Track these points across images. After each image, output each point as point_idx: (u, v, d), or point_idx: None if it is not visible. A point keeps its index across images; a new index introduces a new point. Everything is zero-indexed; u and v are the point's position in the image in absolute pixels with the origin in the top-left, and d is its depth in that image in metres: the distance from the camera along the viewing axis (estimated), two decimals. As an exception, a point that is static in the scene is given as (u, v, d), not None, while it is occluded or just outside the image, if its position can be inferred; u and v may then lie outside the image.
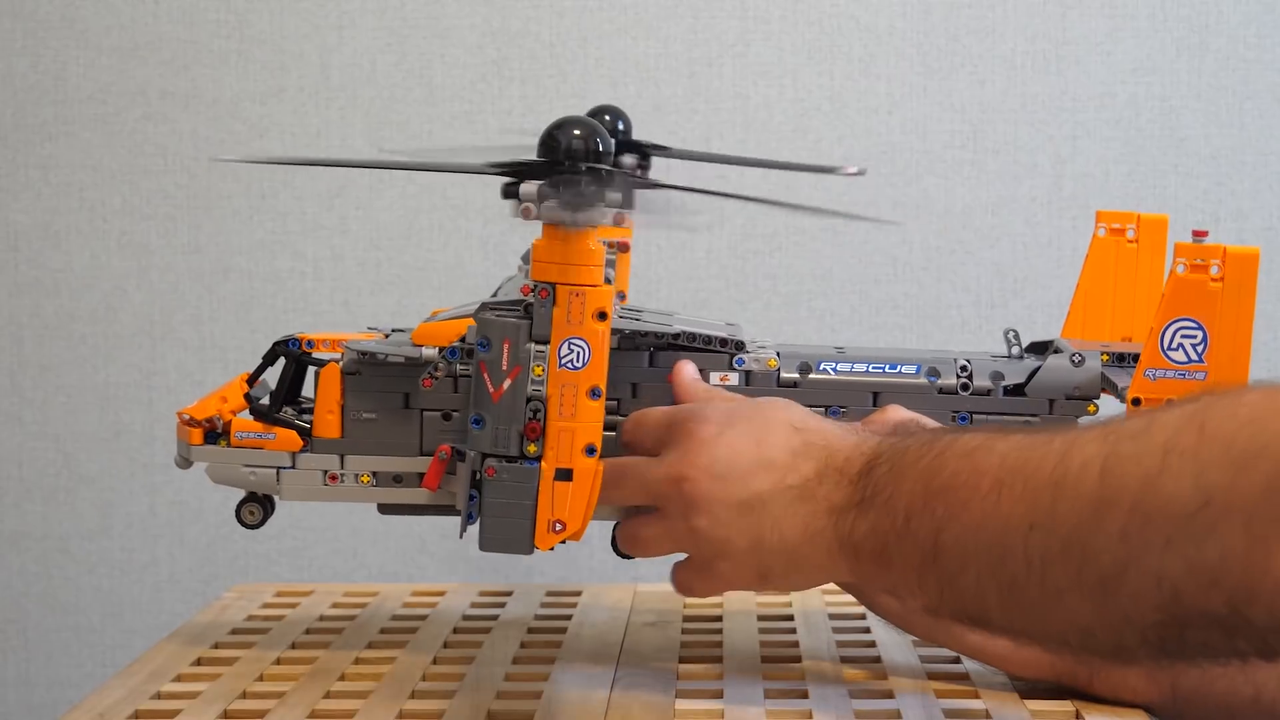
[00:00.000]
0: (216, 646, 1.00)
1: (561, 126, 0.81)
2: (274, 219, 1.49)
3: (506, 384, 0.82)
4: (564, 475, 0.82)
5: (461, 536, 0.85)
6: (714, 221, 1.48)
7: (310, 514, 1.51)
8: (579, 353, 0.82)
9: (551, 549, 0.85)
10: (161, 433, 1.50)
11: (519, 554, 0.83)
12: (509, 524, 0.82)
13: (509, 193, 0.81)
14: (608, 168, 0.80)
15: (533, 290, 0.82)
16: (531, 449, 0.82)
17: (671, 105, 1.47)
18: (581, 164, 0.79)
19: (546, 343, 0.82)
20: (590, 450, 0.82)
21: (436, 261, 1.49)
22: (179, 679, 0.94)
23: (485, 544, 0.83)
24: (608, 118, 0.98)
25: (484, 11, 1.48)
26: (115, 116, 1.49)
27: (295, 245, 1.49)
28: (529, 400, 0.82)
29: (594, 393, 0.82)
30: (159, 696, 0.91)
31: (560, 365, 0.82)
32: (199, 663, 0.97)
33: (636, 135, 0.98)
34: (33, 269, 1.50)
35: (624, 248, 1.01)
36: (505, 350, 0.82)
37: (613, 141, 0.82)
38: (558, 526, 0.83)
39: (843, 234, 1.48)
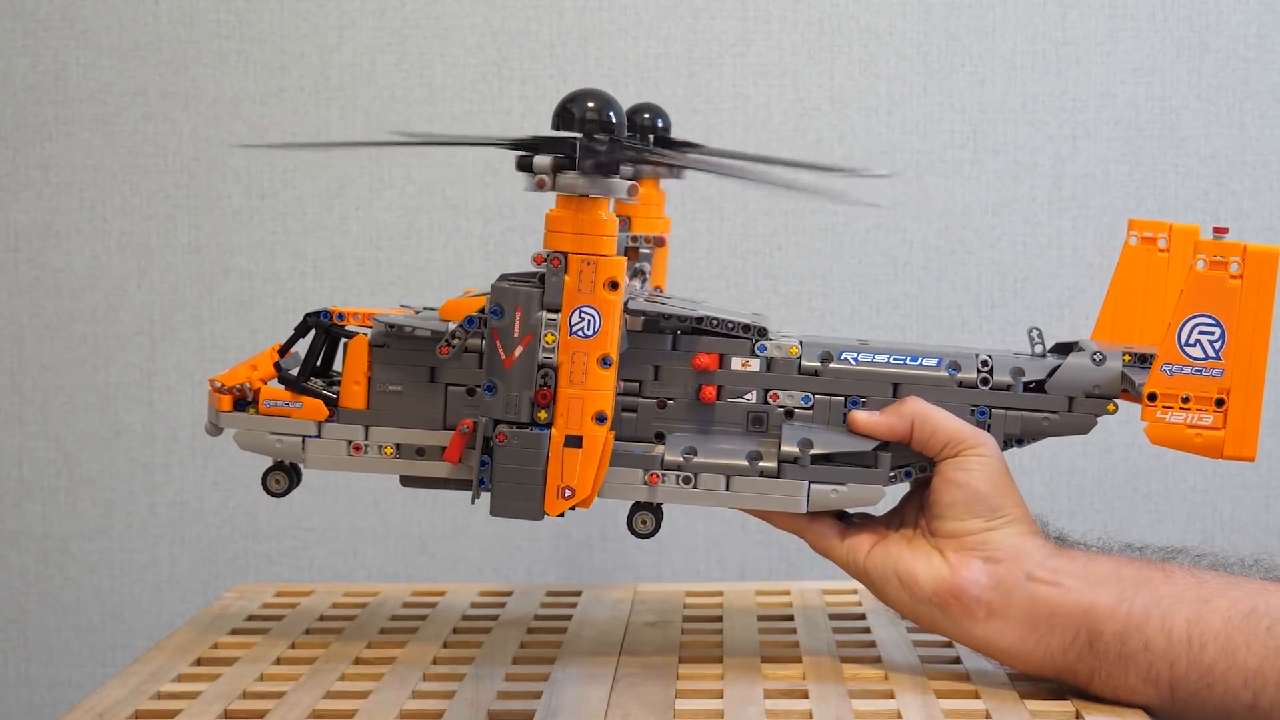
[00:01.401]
0: (216, 646, 1.01)
1: (575, 99, 0.82)
2: (274, 219, 1.49)
3: (518, 351, 0.83)
4: (574, 442, 0.83)
5: (474, 502, 0.86)
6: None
7: (310, 514, 1.51)
8: (590, 321, 0.83)
9: (561, 515, 0.86)
10: (161, 432, 1.51)
11: (529, 519, 0.84)
12: (519, 490, 0.84)
13: (523, 166, 0.82)
14: (621, 139, 0.81)
15: (545, 259, 0.83)
16: (542, 415, 0.83)
17: (671, 105, 1.47)
18: (595, 134, 0.81)
19: (558, 311, 0.83)
20: (600, 418, 0.83)
21: (436, 261, 1.49)
22: (179, 679, 0.94)
23: (496, 509, 0.84)
24: (647, 115, 1.00)
25: (484, 11, 1.48)
26: (115, 116, 1.49)
27: (295, 245, 1.49)
28: (540, 367, 0.83)
29: (604, 361, 0.83)
30: (159, 696, 0.91)
31: (571, 333, 0.83)
32: (199, 663, 0.97)
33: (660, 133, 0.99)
34: (33, 269, 1.50)
35: (660, 242, 1.02)
36: (517, 318, 0.83)
37: (624, 113, 0.83)
38: (567, 493, 0.84)
39: (843, 234, 1.48)
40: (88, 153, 1.49)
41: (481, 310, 0.89)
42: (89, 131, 1.49)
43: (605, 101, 0.83)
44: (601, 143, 0.81)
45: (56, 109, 1.49)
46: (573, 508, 0.85)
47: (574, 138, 0.82)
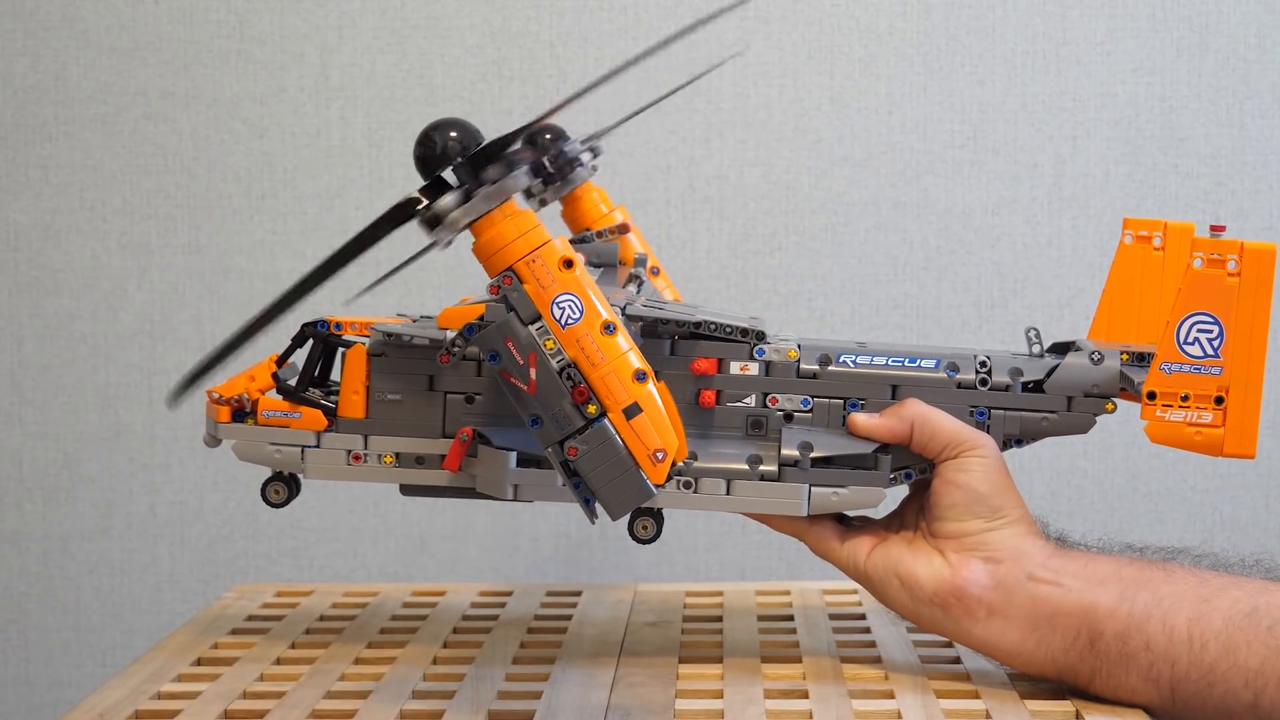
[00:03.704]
0: (216, 646, 1.01)
1: (428, 139, 0.83)
2: (274, 219, 1.49)
3: (533, 373, 0.83)
4: (632, 411, 0.83)
5: (594, 522, 0.86)
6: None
7: (310, 514, 1.51)
8: (570, 305, 0.83)
9: (669, 479, 0.86)
10: (162, 432, 1.50)
11: (647, 501, 0.83)
12: (620, 482, 0.83)
13: (430, 222, 0.84)
14: (487, 141, 0.82)
15: (499, 287, 0.83)
16: (591, 410, 0.83)
17: (672, 105, 1.47)
18: (464, 154, 0.82)
19: (539, 317, 0.83)
20: (640, 376, 0.83)
21: (436, 261, 1.49)
22: (179, 679, 0.94)
23: (614, 512, 0.83)
24: (549, 136, 1.00)
25: (484, 11, 1.48)
26: (115, 116, 1.49)
27: (295, 245, 1.49)
28: (561, 373, 0.83)
29: (607, 329, 0.83)
30: (159, 696, 0.91)
31: (563, 327, 0.83)
32: (199, 663, 0.97)
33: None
34: (33, 269, 1.50)
35: (623, 229, 1.02)
36: (511, 348, 0.83)
37: (474, 125, 0.84)
38: (659, 455, 0.83)
39: (843, 234, 1.48)
40: (88, 153, 1.49)
41: (481, 318, 0.89)
42: (89, 131, 1.49)
43: (455, 125, 0.83)
44: (473, 163, 0.82)
45: (56, 109, 1.49)
46: (675, 465, 0.85)
47: (442, 176, 0.82)
